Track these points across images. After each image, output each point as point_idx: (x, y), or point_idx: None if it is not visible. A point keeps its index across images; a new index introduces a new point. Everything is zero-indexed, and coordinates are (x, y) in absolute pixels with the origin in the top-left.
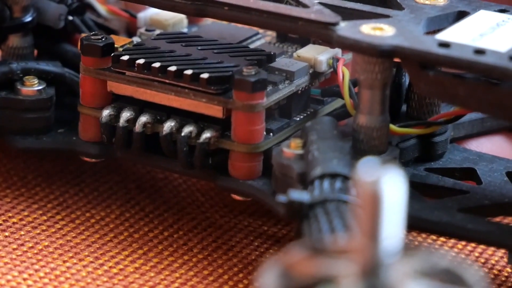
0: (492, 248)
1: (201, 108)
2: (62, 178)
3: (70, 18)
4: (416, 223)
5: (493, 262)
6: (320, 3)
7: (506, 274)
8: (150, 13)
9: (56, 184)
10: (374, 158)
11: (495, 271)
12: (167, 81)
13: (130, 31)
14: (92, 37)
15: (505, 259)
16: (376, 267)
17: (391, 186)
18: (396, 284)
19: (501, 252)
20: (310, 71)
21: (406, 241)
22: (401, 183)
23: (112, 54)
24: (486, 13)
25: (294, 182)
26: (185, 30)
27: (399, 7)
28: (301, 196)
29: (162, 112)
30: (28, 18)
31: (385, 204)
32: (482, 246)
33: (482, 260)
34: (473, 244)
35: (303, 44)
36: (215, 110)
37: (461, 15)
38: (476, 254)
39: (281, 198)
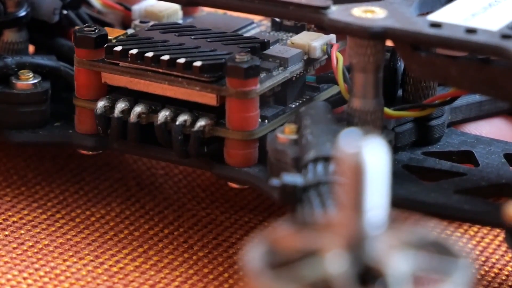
0: (493, 247)
1: (195, 96)
2: (62, 177)
3: (65, 12)
4: (412, 205)
5: (493, 260)
6: None
7: (506, 273)
8: (145, 5)
9: (56, 183)
10: (356, 129)
11: (496, 270)
12: (160, 70)
13: (125, 24)
14: (85, 29)
15: (506, 258)
16: (361, 239)
17: (374, 157)
18: (381, 256)
19: (501, 250)
20: (305, 58)
21: (393, 214)
22: (383, 153)
23: (105, 45)
24: None
25: (289, 167)
26: (180, 21)
27: None
28: (294, 180)
29: (156, 102)
30: (22, 13)
31: (368, 175)
32: (483, 245)
33: (483, 259)
34: (474, 242)
35: (297, 33)
36: (209, 98)
37: None
38: (477, 253)
39: (275, 182)
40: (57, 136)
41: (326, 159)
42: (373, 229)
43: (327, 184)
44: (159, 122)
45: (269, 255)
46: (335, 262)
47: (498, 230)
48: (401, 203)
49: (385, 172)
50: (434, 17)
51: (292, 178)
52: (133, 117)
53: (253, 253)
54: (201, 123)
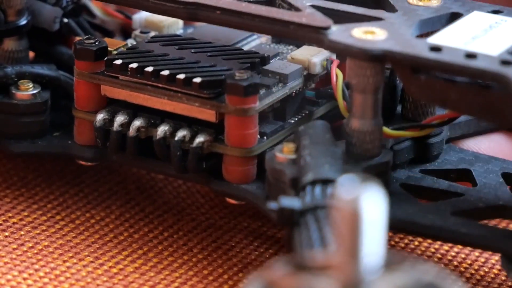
0: None
1: (194, 112)
2: (62, 179)
3: (65, 20)
4: (409, 227)
5: (493, 261)
6: (313, 6)
7: (505, 274)
8: (145, 14)
9: (56, 185)
10: (353, 175)
11: (495, 271)
12: (160, 85)
13: (126, 32)
14: (86, 41)
15: None
16: (357, 284)
17: (371, 204)
18: None
19: None
20: (304, 73)
21: (390, 255)
22: (381, 200)
23: (106, 58)
24: (479, 14)
25: (287, 187)
26: (180, 31)
27: (392, 9)
28: (292, 203)
29: (156, 116)
30: (22, 22)
31: (365, 222)
32: None
33: (482, 260)
34: None
35: (298, 45)
36: (208, 114)
37: (454, 16)
38: (476, 254)
39: (272, 205)
40: (56, 147)
41: (324, 182)
42: (369, 274)
43: (324, 208)
44: (158, 137)
45: None
46: None
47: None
48: (398, 225)
49: (382, 219)
50: (434, 39)
51: (290, 202)
52: (132, 131)
53: None
54: (200, 139)
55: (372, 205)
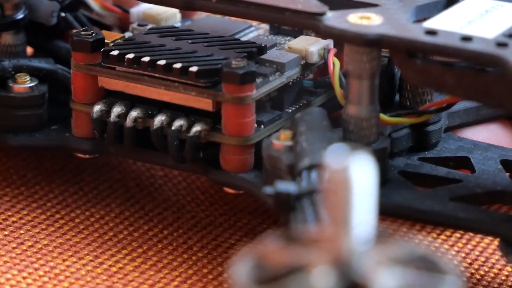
0: (493, 247)
1: (191, 101)
2: (62, 177)
3: (63, 14)
4: (407, 213)
5: (493, 261)
6: None
7: (506, 273)
8: (143, 8)
9: (56, 183)
10: (343, 145)
11: (495, 270)
12: (156, 75)
13: (124, 27)
14: (82, 32)
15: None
16: (348, 255)
17: (361, 173)
18: (368, 272)
19: None
20: (302, 62)
21: (381, 228)
22: (370, 169)
23: (102, 49)
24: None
25: (284, 174)
26: (178, 24)
27: None
28: (288, 188)
29: (153, 106)
30: (20, 16)
31: (355, 191)
32: (483, 245)
33: (482, 259)
34: (473, 243)
35: (296, 36)
36: (204, 103)
37: (450, 2)
38: (476, 253)
39: (268, 189)
40: (54, 140)
41: (321, 167)
42: (360, 245)
43: (320, 192)
44: (155, 127)
45: (256, 270)
46: (322, 278)
47: None
48: (396, 210)
49: (372, 188)
50: (430, 24)
51: (286, 186)
52: (129, 121)
53: (240, 268)
54: (196, 128)
55: (361, 174)
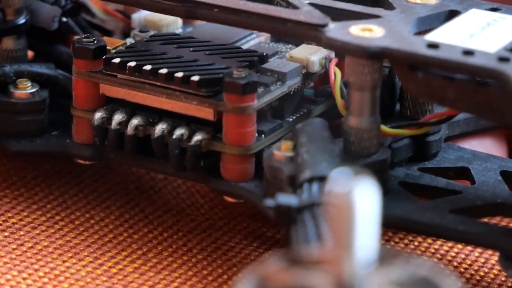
0: None
1: (192, 110)
2: (62, 179)
3: (64, 19)
4: (407, 225)
5: (493, 262)
6: (311, 4)
7: (505, 274)
8: (145, 14)
9: (56, 185)
10: (346, 168)
11: (495, 271)
12: (158, 83)
13: (126, 32)
14: (84, 39)
15: None
16: (351, 278)
17: (364, 197)
18: None
19: None
20: (303, 72)
21: (384, 249)
22: (374, 194)
23: (104, 57)
24: (477, 12)
25: (284, 185)
26: (179, 30)
27: (390, 7)
28: (289, 200)
29: (154, 114)
30: (21, 21)
31: (359, 215)
32: None
33: (482, 260)
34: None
35: (297, 44)
36: (206, 113)
37: (452, 14)
38: (476, 254)
39: (269, 202)
40: (54, 145)
41: (322, 179)
42: (363, 268)
43: (321, 205)
44: (156, 136)
45: None
46: None
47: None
48: (396, 222)
49: (375, 212)
50: (431, 36)
51: (287, 199)
52: (130, 129)
53: None
54: (197, 137)
55: (365, 199)
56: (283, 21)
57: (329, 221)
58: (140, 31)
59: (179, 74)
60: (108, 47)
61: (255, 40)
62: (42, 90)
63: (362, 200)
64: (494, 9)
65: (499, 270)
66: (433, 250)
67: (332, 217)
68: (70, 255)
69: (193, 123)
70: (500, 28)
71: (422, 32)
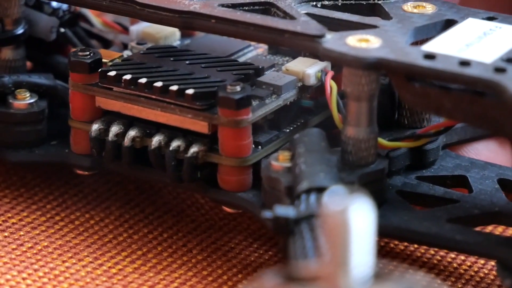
0: None
1: (187, 123)
2: (62, 179)
3: (62, 30)
4: (405, 234)
5: (493, 263)
6: (308, 14)
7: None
8: (143, 26)
9: (56, 185)
10: (341, 187)
11: (495, 272)
12: (153, 96)
13: (126, 43)
14: (80, 53)
15: None
16: None
17: (359, 215)
18: None
19: None
20: (299, 85)
21: (379, 267)
22: (369, 210)
23: (100, 70)
24: (474, 21)
25: (283, 196)
26: (177, 43)
27: (387, 17)
28: (286, 212)
29: (151, 126)
30: (20, 31)
31: (354, 233)
32: None
33: (482, 262)
34: None
35: (294, 56)
36: (200, 126)
37: (449, 23)
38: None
39: (267, 214)
40: (53, 156)
41: (319, 190)
42: (359, 285)
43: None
44: (152, 147)
45: None
46: None
47: (499, 230)
48: (393, 232)
49: (370, 230)
50: (428, 47)
51: (285, 211)
52: (127, 141)
53: None
54: (194, 149)
55: (360, 216)
56: (280, 32)
57: (324, 238)
58: (138, 43)
59: (174, 87)
60: (104, 60)
61: (253, 53)
62: (40, 100)
63: (357, 218)
64: (490, 18)
65: None
66: (432, 252)
67: (328, 234)
68: (70, 255)
69: (190, 134)
70: (496, 38)
71: (419, 41)
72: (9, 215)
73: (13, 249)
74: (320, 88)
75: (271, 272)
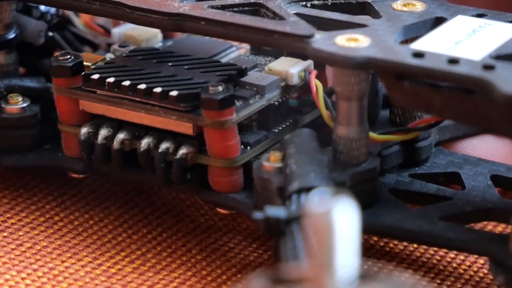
0: None
1: (171, 125)
2: (61, 179)
3: (50, 34)
4: (397, 233)
5: None
6: (297, 14)
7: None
8: (125, 28)
9: (55, 185)
10: (326, 188)
11: None
12: (137, 99)
13: (110, 45)
14: (60, 57)
15: None
16: None
17: (343, 216)
18: None
19: None
20: (282, 85)
21: (365, 267)
22: (353, 213)
23: (83, 73)
24: (463, 18)
25: (274, 196)
26: (159, 44)
27: (377, 15)
28: (277, 213)
29: (140, 128)
30: (11, 35)
31: (338, 234)
32: None
33: (481, 261)
34: None
35: (277, 56)
36: (185, 127)
37: (438, 21)
38: (475, 256)
39: (258, 214)
40: (46, 160)
41: (310, 190)
42: (344, 287)
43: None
44: (141, 150)
45: None
46: None
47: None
48: (386, 230)
49: (355, 231)
50: (417, 45)
51: (275, 211)
52: (116, 144)
53: None
54: (183, 151)
55: (344, 218)
56: (269, 32)
57: (309, 240)
58: (120, 46)
59: (158, 90)
60: (87, 63)
61: (235, 53)
62: (33, 104)
63: (341, 219)
64: (480, 15)
65: None
66: (432, 252)
67: (312, 236)
68: (69, 255)
69: (179, 136)
70: (485, 35)
71: (408, 40)
72: (8, 215)
73: (12, 249)
74: (303, 87)
75: (258, 273)
